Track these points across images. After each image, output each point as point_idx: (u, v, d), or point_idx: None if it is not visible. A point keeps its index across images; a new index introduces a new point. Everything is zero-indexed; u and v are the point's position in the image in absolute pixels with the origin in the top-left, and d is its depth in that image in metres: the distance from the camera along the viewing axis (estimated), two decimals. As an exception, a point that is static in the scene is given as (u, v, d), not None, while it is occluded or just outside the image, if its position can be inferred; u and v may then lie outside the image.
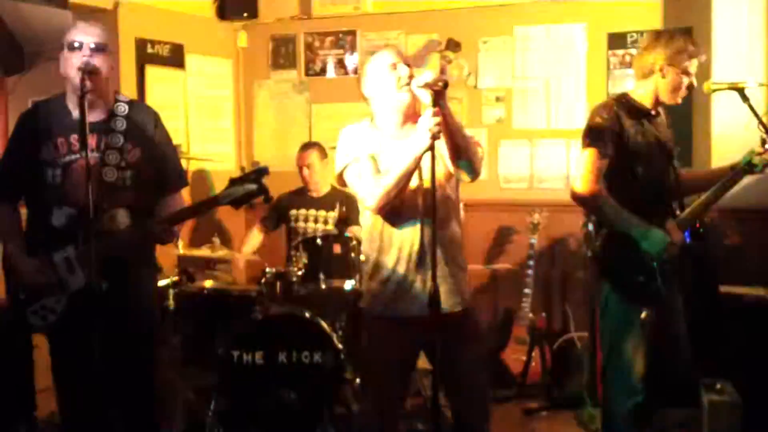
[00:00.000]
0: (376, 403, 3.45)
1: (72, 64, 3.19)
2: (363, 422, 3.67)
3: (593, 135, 3.66)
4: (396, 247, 3.31)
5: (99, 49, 3.24)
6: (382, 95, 3.35)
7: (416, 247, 3.28)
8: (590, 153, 3.64)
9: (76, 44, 3.22)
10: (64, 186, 3.27)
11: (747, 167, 3.56)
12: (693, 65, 3.65)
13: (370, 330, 3.50)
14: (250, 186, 3.18)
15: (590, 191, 3.60)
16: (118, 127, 3.34)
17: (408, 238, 3.29)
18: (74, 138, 3.29)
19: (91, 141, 3.26)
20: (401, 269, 3.31)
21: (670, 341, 3.69)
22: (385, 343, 3.38)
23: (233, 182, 3.21)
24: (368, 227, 3.40)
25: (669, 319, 3.69)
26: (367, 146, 3.32)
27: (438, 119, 2.99)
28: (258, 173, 3.21)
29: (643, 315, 3.58)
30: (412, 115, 3.31)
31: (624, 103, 3.71)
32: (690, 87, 3.68)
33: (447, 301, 3.21)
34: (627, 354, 3.64)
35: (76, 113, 3.27)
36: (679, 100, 3.70)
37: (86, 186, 3.00)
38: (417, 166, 3.16)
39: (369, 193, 3.25)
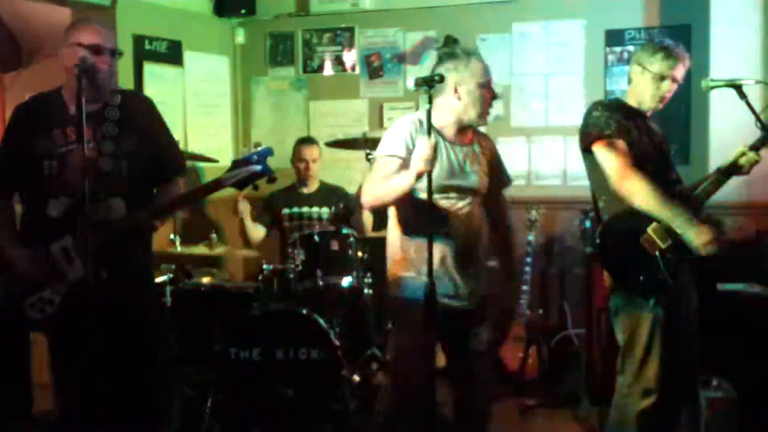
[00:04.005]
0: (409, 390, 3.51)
1: (72, 60, 3.18)
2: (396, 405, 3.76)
3: (598, 127, 3.59)
4: (438, 246, 3.38)
5: (101, 49, 3.24)
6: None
7: (456, 247, 3.47)
8: (601, 146, 3.56)
9: (84, 42, 3.22)
10: (61, 176, 3.27)
11: (732, 167, 3.55)
12: (665, 68, 3.60)
13: (403, 316, 3.56)
14: (254, 167, 3.18)
15: (627, 175, 3.48)
16: (111, 116, 3.34)
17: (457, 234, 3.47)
18: (70, 129, 3.29)
19: (87, 131, 3.22)
20: (439, 265, 3.40)
21: (677, 337, 3.67)
22: (418, 327, 3.36)
23: (236, 164, 3.20)
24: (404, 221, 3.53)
25: (678, 313, 3.66)
26: (408, 146, 3.39)
27: (429, 153, 3.12)
28: (261, 154, 3.20)
29: (649, 304, 3.56)
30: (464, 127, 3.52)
31: (614, 105, 3.72)
32: (668, 92, 3.65)
33: (473, 298, 3.52)
34: (641, 351, 3.60)
35: (72, 106, 3.27)
36: (658, 106, 3.68)
37: (83, 176, 3.00)
38: (411, 186, 3.25)
39: (367, 190, 3.44)
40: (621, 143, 3.53)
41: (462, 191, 3.49)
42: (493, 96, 3.51)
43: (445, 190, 3.44)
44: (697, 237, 3.41)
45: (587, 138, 3.63)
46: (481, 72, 3.45)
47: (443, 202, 3.44)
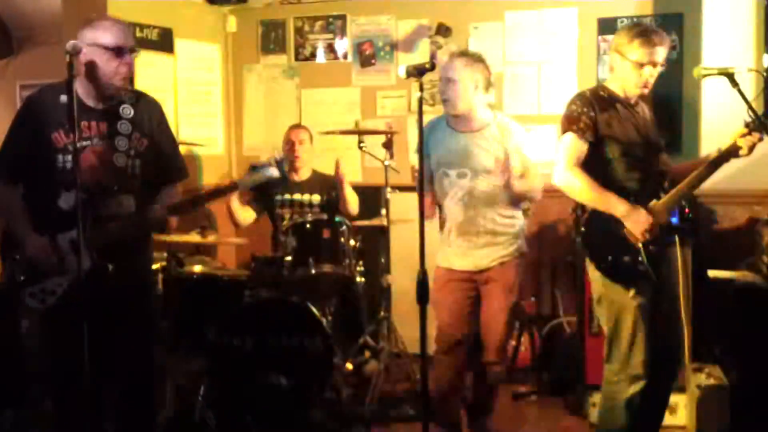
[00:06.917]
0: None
1: (88, 57, 3.23)
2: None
3: (570, 121, 3.68)
4: (451, 215, 4.25)
5: (123, 50, 3.29)
6: None
7: (461, 218, 4.20)
8: (567, 138, 3.67)
9: (108, 45, 3.26)
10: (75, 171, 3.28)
11: (732, 150, 3.54)
12: (643, 55, 3.59)
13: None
14: (272, 171, 3.44)
15: (567, 173, 3.64)
16: (126, 114, 3.39)
17: (455, 209, 4.21)
18: (84, 124, 3.31)
19: (101, 127, 3.34)
20: (453, 234, 4.25)
21: (661, 323, 3.68)
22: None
23: (254, 168, 3.43)
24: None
25: (661, 300, 3.68)
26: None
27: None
28: (278, 162, 3.48)
29: (631, 294, 3.59)
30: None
31: (599, 92, 3.73)
32: (651, 77, 3.64)
33: (483, 260, 4.21)
34: (626, 339, 3.62)
35: (87, 101, 3.32)
36: (642, 91, 3.69)
37: (96, 166, 3.11)
38: None
39: None
40: (579, 141, 3.64)
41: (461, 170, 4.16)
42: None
43: (446, 172, 4.21)
44: (634, 226, 3.53)
45: (562, 127, 3.74)
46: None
47: (445, 180, 4.20)
